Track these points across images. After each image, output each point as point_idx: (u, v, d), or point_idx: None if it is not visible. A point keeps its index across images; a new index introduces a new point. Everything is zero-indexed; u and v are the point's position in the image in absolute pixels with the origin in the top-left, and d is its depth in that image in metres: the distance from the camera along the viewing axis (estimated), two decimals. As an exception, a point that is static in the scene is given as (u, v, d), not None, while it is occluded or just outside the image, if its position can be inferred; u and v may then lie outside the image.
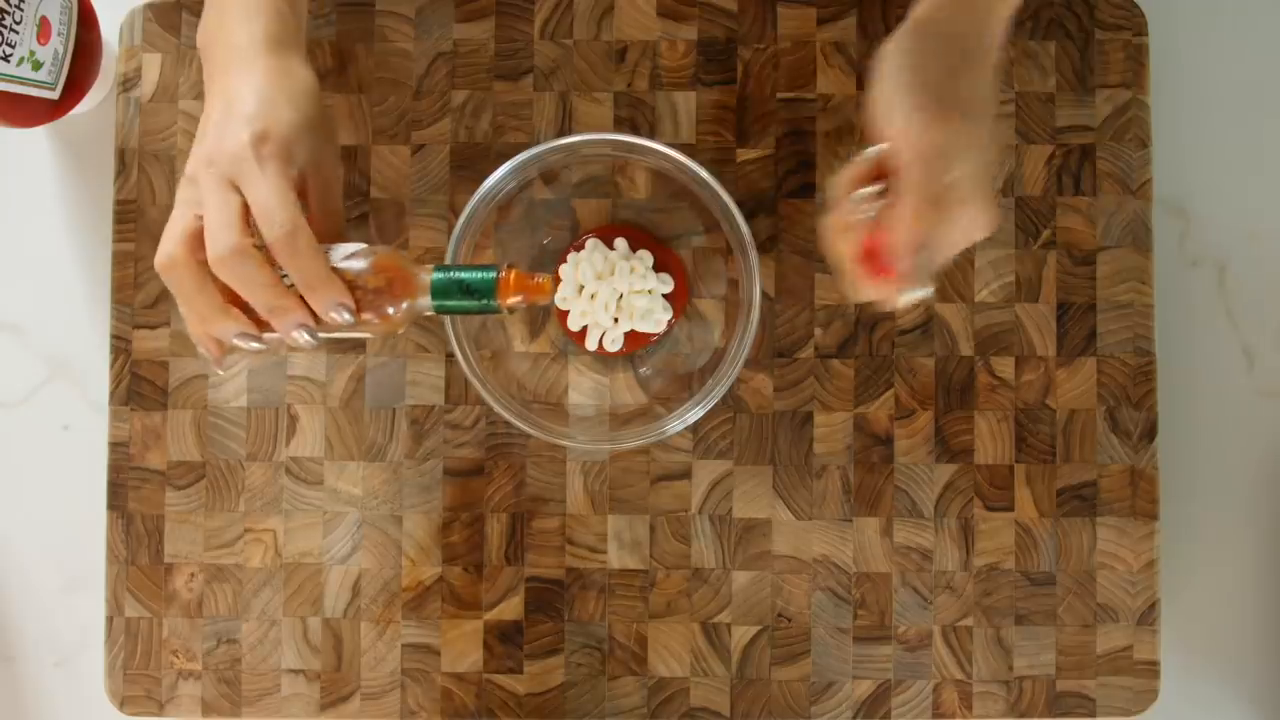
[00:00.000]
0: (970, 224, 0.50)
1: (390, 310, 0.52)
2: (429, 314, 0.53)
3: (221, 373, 0.53)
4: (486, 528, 0.67)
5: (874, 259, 0.50)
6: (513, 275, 0.53)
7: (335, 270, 0.51)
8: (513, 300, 0.53)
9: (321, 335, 0.52)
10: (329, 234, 0.54)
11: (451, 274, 0.53)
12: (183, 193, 0.52)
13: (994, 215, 0.50)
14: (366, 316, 0.52)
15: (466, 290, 0.53)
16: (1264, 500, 0.69)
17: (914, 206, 0.49)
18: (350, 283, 0.51)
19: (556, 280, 0.55)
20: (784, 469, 0.67)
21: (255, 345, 0.52)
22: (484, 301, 0.53)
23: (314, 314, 0.51)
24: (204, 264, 0.50)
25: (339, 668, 0.67)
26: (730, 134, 0.68)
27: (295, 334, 0.51)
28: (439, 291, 0.52)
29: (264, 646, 0.67)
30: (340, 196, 0.56)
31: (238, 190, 0.50)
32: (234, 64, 0.53)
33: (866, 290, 0.52)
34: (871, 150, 0.51)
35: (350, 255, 0.52)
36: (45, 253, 0.71)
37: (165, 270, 0.51)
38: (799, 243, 0.67)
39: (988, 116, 0.51)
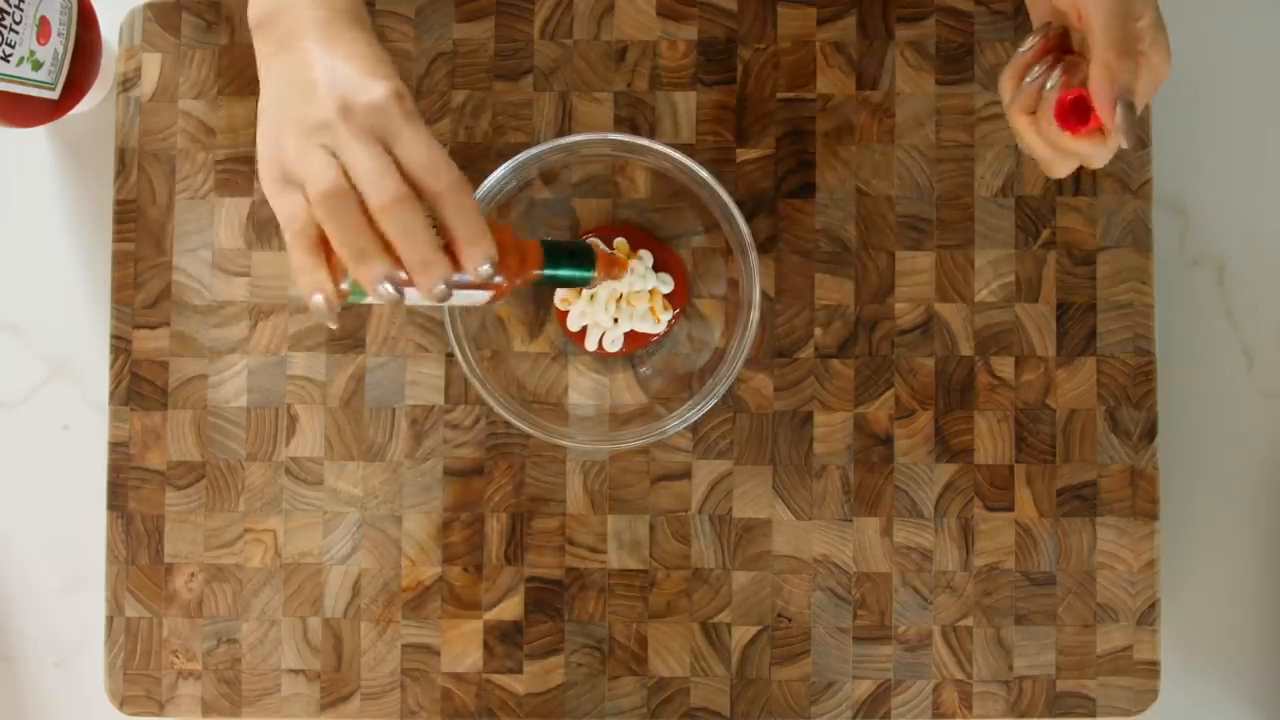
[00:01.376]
0: (1159, 66, 0.52)
1: (512, 277, 0.54)
2: (534, 281, 0.56)
3: (333, 326, 0.52)
4: (486, 528, 0.67)
5: (1076, 116, 0.52)
6: (600, 249, 0.58)
7: None
8: (605, 271, 0.59)
9: (450, 300, 0.51)
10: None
11: (554, 244, 0.57)
12: (304, 143, 0.50)
13: (1171, 57, 0.53)
14: (499, 280, 0.53)
15: (571, 256, 0.57)
16: (1264, 500, 0.69)
17: (1116, 52, 0.51)
18: None
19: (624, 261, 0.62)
20: (784, 469, 0.67)
21: (393, 294, 0.50)
22: (585, 271, 0.58)
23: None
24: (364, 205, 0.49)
25: (339, 668, 0.67)
26: (730, 134, 0.68)
27: (437, 288, 0.50)
28: (550, 258, 0.56)
29: (264, 646, 0.67)
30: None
31: (383, 144, 0.50)
32: (317, 34, 0.51)
33: (1075, 151, 0.54)
34: (1035, 34, 0.54)
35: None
36: (45, 253, 0.71)
37: (335, 198, 0.49)
38: (799, 243, 0.67)
39: None
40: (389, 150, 0.50)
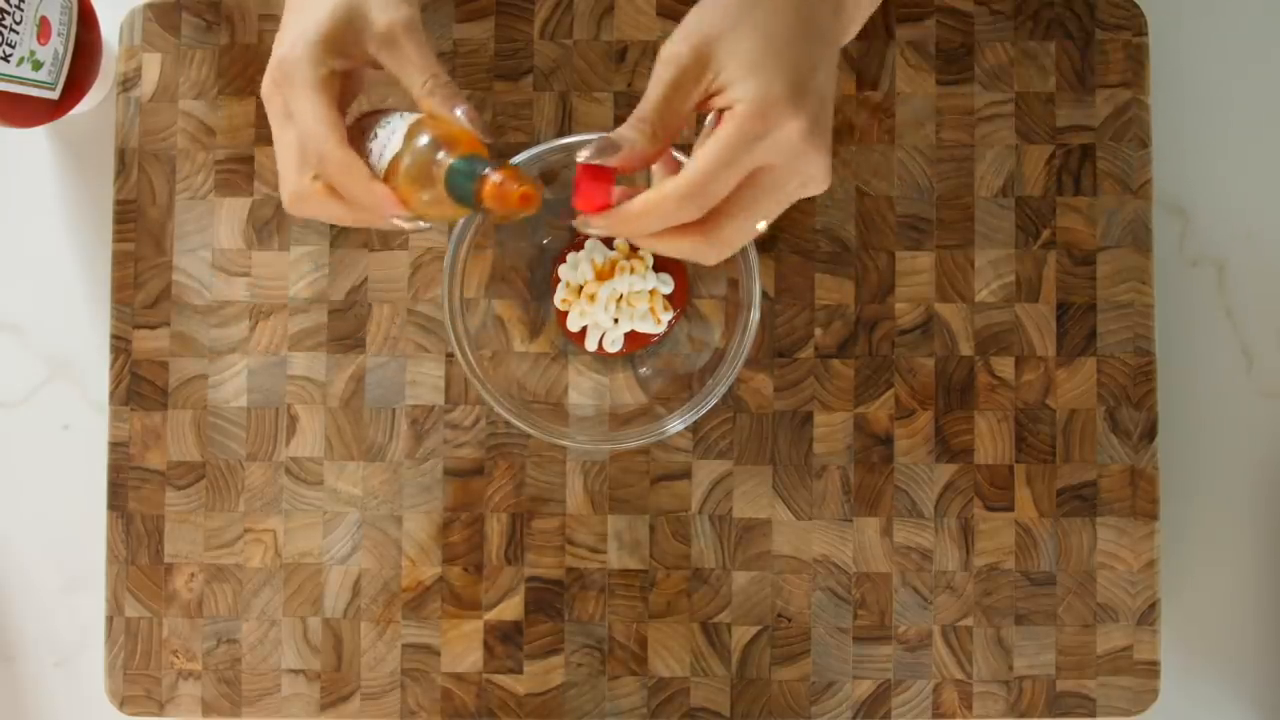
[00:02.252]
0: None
1: (435, 206, 0.50)
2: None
3: (422, 225, 0.52)
4: (486, 528, 0.67)
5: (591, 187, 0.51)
6: (488, 182, 0.48)
7: (387, 172, 0.50)
8: (493, 205, 0.48)
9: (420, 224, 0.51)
10: (420, 87, 0.51)
11: (452, 166, 0.49)
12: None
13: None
14: (426, 209, 0.50)
15: (459, 185, 0.49)
16: (1264, 500, 0.69)
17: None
18: (396, 183, 0.50)
19: (539, 188, 0.49)
20: (784, 469, 0.67)
21: (410, 225, 0.51)
22: (467, 203, 0.49)
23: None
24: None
25: (339, 668, 0.67)
26: (730, 134, 0.68)
27: (395, 223, 0.51)
28: (451, 185, 0.49)
29: (264, 646, 0.67)
30: (416, 45, 0.51)
31: (293, 119, 0.50)
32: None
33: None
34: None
35: (395, 153, 0.50)
36: (45, 253, 0.71)
37: (296, 211, 0.51)
38: (799, 243, 0.67)
39: None
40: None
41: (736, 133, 0.46)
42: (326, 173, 0.50)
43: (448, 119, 0.51)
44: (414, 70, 0.51)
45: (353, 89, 0.53)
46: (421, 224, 0.52)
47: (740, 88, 0.46)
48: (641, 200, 0.47)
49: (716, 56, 0.47)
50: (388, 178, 0.50)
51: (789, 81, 0.46)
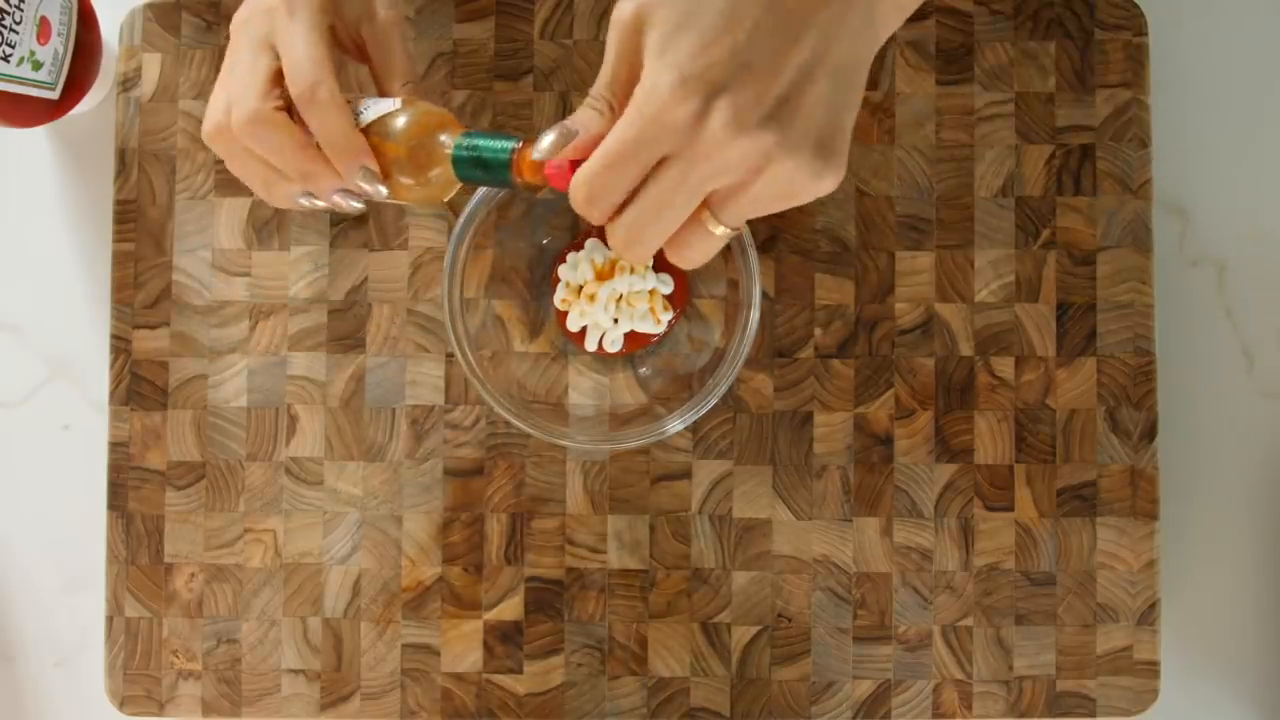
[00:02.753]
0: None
1: (411, 181, 0.49)
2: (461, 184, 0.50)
3: (357, 206, 0.50)
4: (486, 528, 0.67)
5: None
6: (526, 154, 0.47)
7: (368, 131, 0.49)
8: (530, 179, 0.48)
9: (360, 203, 0.50)
10: (399, 87, 0.51)
11: (472, 144, 0.48)
12: (225, 63, 0.51)
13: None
14: (398, 181, 0.49)
15: (483, 165, 0.48)
16: (1264, 500, 0.69)
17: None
18: (377, 146, 0.49)
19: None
20: (784, 469, 0.67)
21: (316, 205, 0.50)
22: (501, 177, 0.48)
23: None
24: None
25: (339, 668, 0.67)
26: (730, 134, 0.68)
27: (336, 199, 0.49)
28: (459, 164, 0.48)
29: (264, 646, 0.67)
30: (404, 46, 0.51)
31: (272, 50, 0.49)
32: None
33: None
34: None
35: (386, 114, 0.49)
36: (45, 253, 0.71)
37: (211, 139, 0.49)
38: (799, 243, 0.67)
39: None
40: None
41: (625, 119, 0.43)
42: (314, 102, 0.47)
43: (435, 108, 0.50)
44: (398, 69, 0.51)
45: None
46: (356, 205, 0.50)
47: (648, 65, 0.42)
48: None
49: (648, 21, 0.42)
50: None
51: (701, 64, 0.41)
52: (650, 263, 0.66)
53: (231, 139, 0.49)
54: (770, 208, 0.44)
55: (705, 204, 0.45)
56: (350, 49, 0.52)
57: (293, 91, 0.48)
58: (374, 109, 0.50)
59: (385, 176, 0.50)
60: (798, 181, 0.43)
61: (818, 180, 0.43)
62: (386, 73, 0.51)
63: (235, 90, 0.49)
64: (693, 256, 0.46)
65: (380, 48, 0.51)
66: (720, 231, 0.45)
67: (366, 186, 0.49)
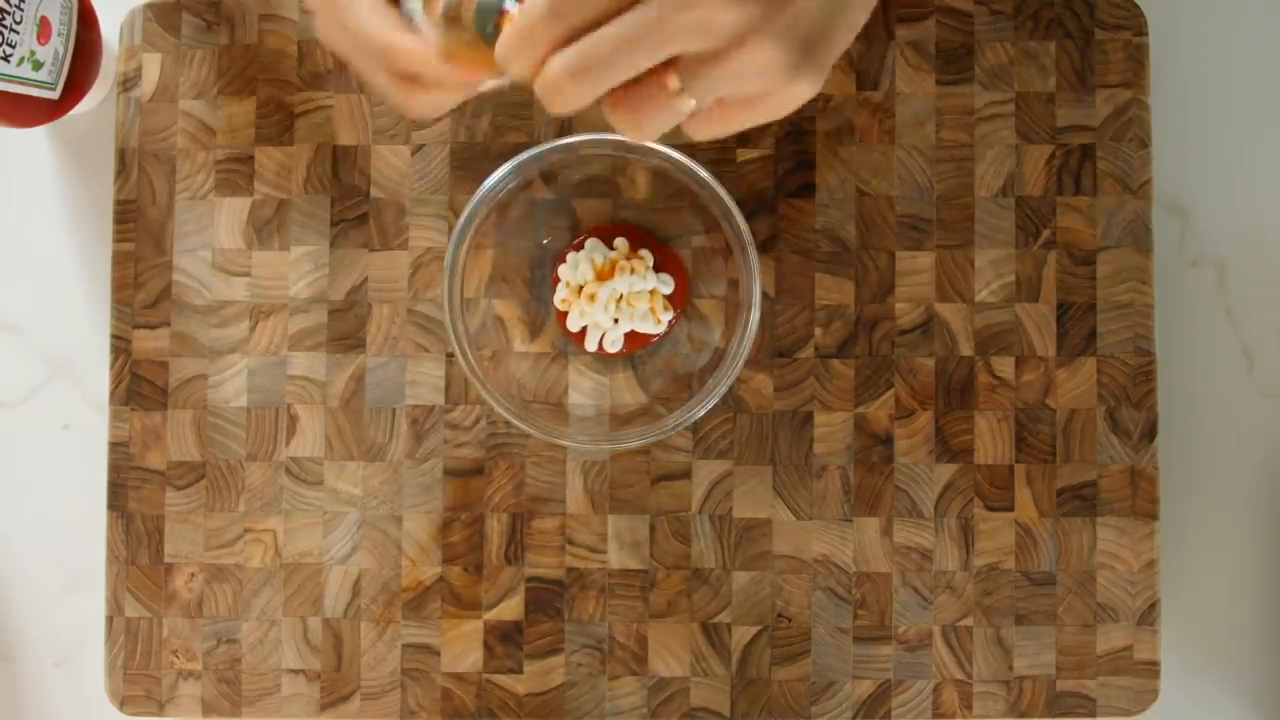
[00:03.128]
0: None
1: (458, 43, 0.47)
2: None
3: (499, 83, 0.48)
4: (486, 528, 0.67)
5: None
6: (508, 14, 0.44)
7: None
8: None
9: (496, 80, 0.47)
10: None
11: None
12: None
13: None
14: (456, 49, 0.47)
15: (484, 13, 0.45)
16: (1264, 500, 0.69)
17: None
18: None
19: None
20: (784, 469, 0.67)
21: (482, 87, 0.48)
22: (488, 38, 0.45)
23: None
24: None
25: (339, 668, 0.67)
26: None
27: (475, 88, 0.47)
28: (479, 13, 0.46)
29: (264, 646, 0.67)
30: None
31: None
32: None
33: None
34: None
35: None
36: (45, 253, 0.71)
37: (443, 71, 0.47)
38: (799, 243, 0.67)
39: None
40: None
41: None
42: (396, 57, 0.46)
43: None
44: None
45: None
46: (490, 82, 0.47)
47: None
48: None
49: None
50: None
51: None
52: (651, 263, 0.66)
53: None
54: (739, 99, 0.42)
55: (671, 66, 0.42)
56: None
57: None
58: None
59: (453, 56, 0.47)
60: (773, 73, 0.42)
61: (793, 77, 0.42)
62: None
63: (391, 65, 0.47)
64: (643, 123, 0.43)
65: None
66: (684, 104, 0.42)
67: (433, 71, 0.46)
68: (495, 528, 0.67)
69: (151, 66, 0.69)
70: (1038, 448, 0.67)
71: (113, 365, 0.68)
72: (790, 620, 0.67)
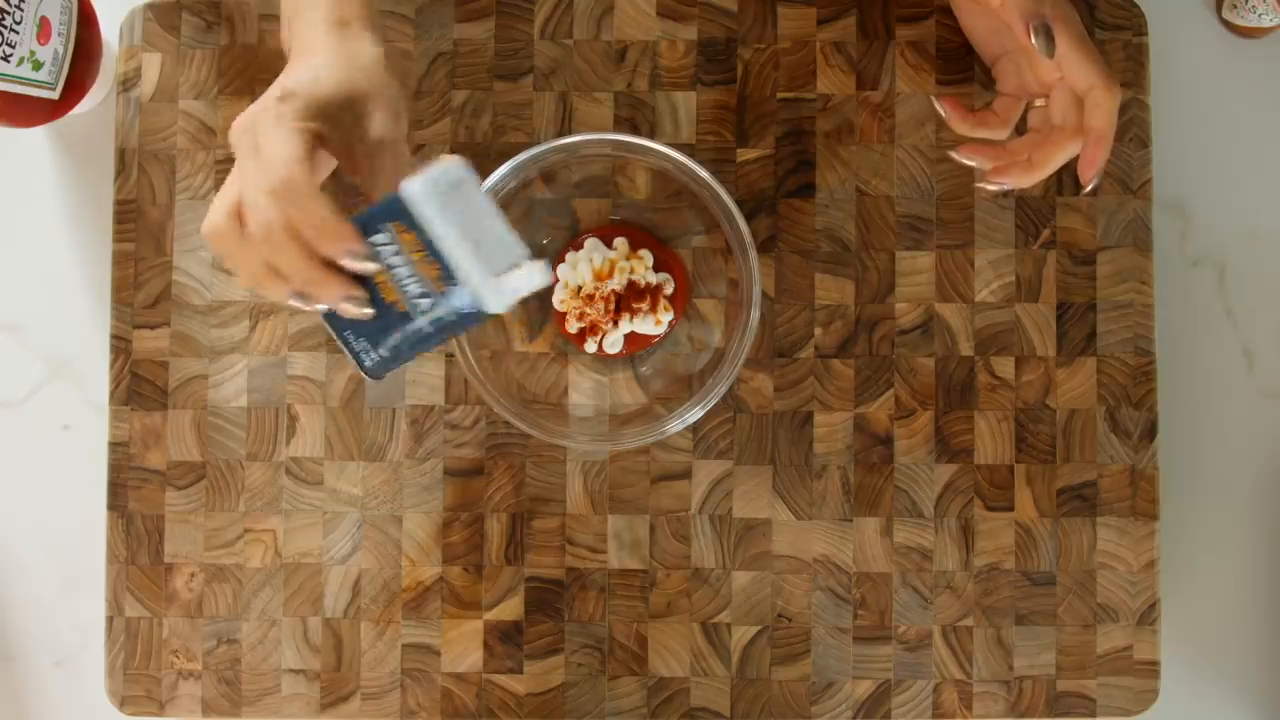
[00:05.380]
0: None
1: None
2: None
3: (312, 308, 0.51)
4: (486, 528, 0.67)
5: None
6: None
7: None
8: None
9: (361, 306, 0.50)
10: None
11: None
12: (233, 171, 0.51)
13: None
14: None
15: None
16: (1264, 500, 0.69)
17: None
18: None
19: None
20: (784, 469, 0.67)
21: (308, 307, 0.51)
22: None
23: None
24: (246, 233, 0.49)
25: (339, 668, 0.67)
26: (730, 134, 0.68)
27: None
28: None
29: (264, 646, 0.67)
30: (396, 167, 0.52)
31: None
32: (298, 49, 0.53)
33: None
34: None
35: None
36: (45, 253, 0.71)
37: (209, 238, 0.50)
38: (799, 243, 0.67)
39: None
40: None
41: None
42: (289, 192, 0.48)
43: None
44: (382, 185, 0.51)
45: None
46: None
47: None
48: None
49: None
50: None
51: None
52: (650, 263, 0.66)
53: (228, 238, 0.50)
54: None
55: None
56: (343, 160, 0.52)
57: (265, 187, 0.48)
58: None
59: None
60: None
61: None
62: (371, 190, 0.51)
63: (247, 195, 0.49)
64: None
65: (369, 167, 0.52)
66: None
67: (360, 266, 0.49)
68: (495, 528, 0.67)
69: (151, 66, 0.69)
70: (1038, 448, 0.67)
71: (113, 365, 0.68)
72: (790, 620, 0.67)
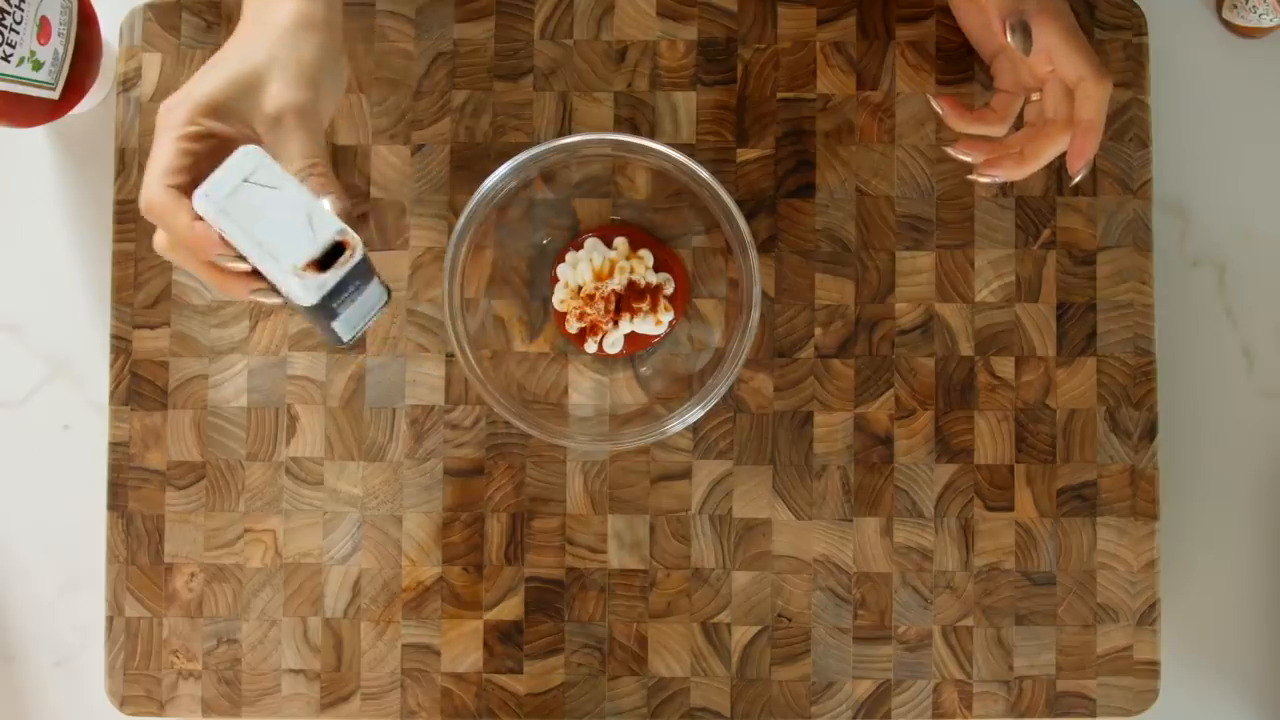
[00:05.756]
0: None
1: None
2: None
3: (268, 302, 0.52)
4: (486, 528, 0.67)
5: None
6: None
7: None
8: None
9: (273, 298, 0.51)
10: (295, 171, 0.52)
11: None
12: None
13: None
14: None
15: None
16: (1264, 500, 0.69)
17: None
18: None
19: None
20: (784, 469, 0.67)
21: (269, 300, 0.52)
22: None
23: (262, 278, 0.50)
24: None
25: (339, 668, 0.67)
26: (730, 134, 0.68)
27: (254, 298, 0.51)
28: None
29: (264, 646, 0.67)
30: (300, 135, 0.52)
31: None
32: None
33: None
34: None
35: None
36: (45, 253, 0.71)
37: (159, 253, 0.52)
38: (799, 243, 0.67)
39: None
40: None
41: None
42: (150, 212, 0.50)
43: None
44: (293, 155, 0.51)
45: (227, 151, 0.51)
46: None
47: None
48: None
49: None
50: None
51: None
52: (651, 263, 0.66)
53: (170, 253, 0.52)
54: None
55: None
56: (256, 142, 0.52)
57: (141, 208, 0.50)
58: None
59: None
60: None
61: None
62: (284, 162, 0.51)
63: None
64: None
65: (273, 138, 0.52)
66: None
67: (231, 265, 0.50)
68: (495, 528, 0.67)
69: (151, 66, 0.69)
70: (1038, 448, 0.67)
71: (113, 365, 0.68)
72: (790, 620, 0.67)
